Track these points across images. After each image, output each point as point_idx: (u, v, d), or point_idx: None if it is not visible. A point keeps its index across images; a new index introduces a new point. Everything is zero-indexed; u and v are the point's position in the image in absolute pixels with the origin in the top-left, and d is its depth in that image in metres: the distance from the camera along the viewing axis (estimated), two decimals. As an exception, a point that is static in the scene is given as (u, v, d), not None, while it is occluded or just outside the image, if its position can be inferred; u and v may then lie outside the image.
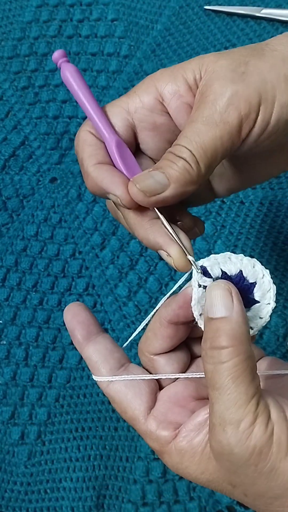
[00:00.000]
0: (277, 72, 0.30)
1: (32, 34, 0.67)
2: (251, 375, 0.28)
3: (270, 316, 0.31)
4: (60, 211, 0.59)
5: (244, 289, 0.31)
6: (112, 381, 0.32)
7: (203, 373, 0.30)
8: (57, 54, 0.34)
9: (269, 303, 0.31)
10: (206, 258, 0.32)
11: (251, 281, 0.31)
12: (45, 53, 0.67)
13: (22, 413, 0.52)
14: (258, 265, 0.32)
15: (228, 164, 0.36)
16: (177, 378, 0.34)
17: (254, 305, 0.32)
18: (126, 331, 0.54)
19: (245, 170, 0.36)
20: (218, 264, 0.31)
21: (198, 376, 0.33)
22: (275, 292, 0.31)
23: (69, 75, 0.34)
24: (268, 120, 0.30)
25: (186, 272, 0.32)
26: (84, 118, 0.63)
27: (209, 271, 0.31)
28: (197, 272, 0.31)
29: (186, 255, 0.31)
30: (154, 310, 0.34)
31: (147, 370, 0.34)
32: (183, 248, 0.31)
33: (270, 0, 0.65)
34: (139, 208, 0.32)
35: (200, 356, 0.35)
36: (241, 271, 0.31)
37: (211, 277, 0.31)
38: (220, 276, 0.31)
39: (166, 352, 0.34)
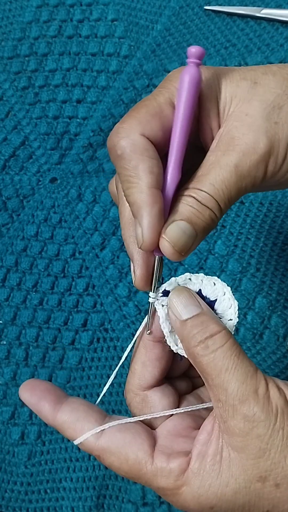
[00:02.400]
0: None
1: (32, 34, 0.67)
2: (243, 352, 0.29)
3: (234, 331, 0.32)
4: (60, 211, 0.59)
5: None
6: (102, 433, 0.30)
7: (198, 405, 0.32)
8: (194, 50, 0.29)
9: (231, 319, 0.32)
10: (167, 282, 0.33)
11: (212, 298, 0.32)
12: (45, 53, 0.67)
13: (22, 413, 0.52)
14: (219, 283, 0.32)
15: None
16: (172, 414, 0.33)
17: None
18: (126, 331, 0.54)
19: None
20: (178, 286, 0.32)
21: (196, 408, 0.33)
22: (237, 308, 0.32)
23: (188, 81, 0.29)
24: None
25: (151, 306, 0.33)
26: (84, 118, 0.63)
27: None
28: (156, 298, 0.32)
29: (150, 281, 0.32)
30: (127, 352, 0.34)
31: (137, 413, 0.33)
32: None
33: (270, 0, 0.65)
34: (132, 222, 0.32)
35: (187, 393, 0.35)
36: (200, 290, 0.32)
37: None
38: None
39: (158, 386, 0.33)
